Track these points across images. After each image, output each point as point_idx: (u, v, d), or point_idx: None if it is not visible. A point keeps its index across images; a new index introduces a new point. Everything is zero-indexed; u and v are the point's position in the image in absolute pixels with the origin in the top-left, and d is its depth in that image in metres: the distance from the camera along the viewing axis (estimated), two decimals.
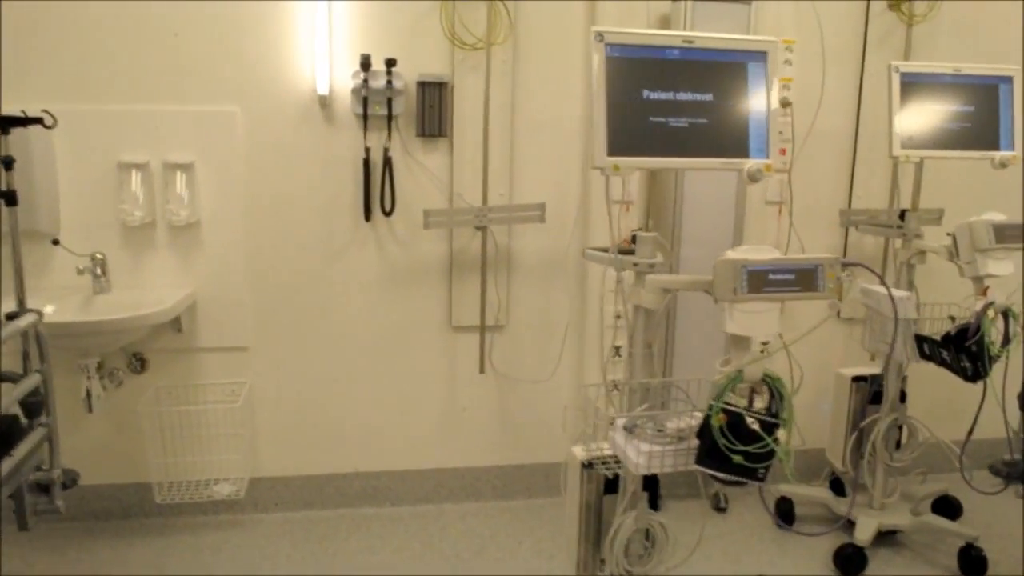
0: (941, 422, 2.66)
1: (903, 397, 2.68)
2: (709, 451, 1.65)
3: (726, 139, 1.67)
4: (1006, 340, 2.28)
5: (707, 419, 1.62)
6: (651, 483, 2.04)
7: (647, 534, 1.95)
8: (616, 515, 1.97)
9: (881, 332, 2.50)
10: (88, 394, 2.39)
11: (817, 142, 2.84)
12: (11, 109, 2.06)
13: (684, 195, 2.69)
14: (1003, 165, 2.34)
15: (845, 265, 1.63)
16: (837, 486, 2.88)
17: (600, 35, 1.59)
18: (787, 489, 2.82)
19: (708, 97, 1.66)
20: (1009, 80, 2.37)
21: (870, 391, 2.72)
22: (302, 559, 2.49)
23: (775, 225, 2.83)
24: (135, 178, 2.45)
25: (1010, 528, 2.78)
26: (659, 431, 1.81)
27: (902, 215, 2.54)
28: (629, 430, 1.82)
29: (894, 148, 2.32)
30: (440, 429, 2.83)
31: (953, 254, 2.30)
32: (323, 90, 2.50)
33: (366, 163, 2.53)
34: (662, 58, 1.63)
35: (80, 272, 2.39)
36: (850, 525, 2.58)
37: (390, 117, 2.51)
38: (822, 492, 2.79)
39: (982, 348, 2.20)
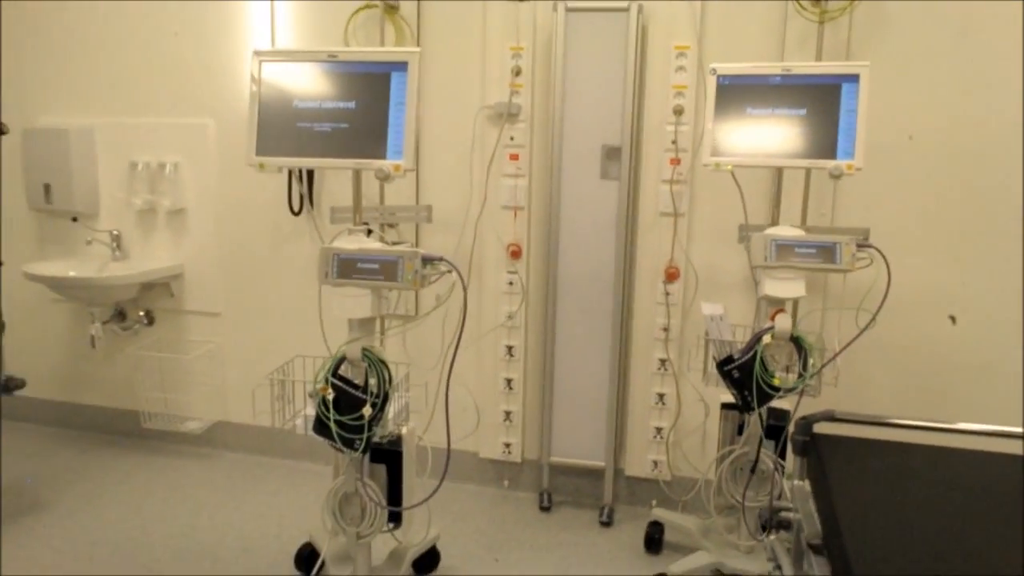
0: None
1: (774, 431, 2.42)
2: (319, 420, 1.84)
3: (364, 142, 1.85)
4: (802, 372, 2.03)
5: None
6: (391, 456, 2.20)
7: None
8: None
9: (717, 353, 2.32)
10: (92, 336, 3.19)
11: None
12: (67, 120, 2.95)
13: (561, 203, 2.73)
14: (835, 176, 2.06)
15: (426, 260, 1.71)
16: None
17: (257, 54, 1.89)
18: (659, 514, 2.69)
19: (351, 105, 1.86)
20: (855, 79, 2.08)
21: (738, 420, 2.51)
22: (241, 493, 3.03)
23: (670, 237, 2.72)
24: (140, 173, 3.22)
25: None
26: None
27: None
28: (312, 396, 2.05)
29: (704, 156, 2.18)
30: None
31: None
32: None
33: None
34: (313, 71, 1.87)
35: (88, 243, 3.21)
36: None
37: None
38: (688, 520, 2.61)
39: (750, 377, 1.99)
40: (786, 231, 2.00)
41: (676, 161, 2.67)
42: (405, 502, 2.20)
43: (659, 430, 2.85)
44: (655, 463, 2.87)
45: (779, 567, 1.68)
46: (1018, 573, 1.19)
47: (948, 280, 2.54)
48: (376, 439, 1.88)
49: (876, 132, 2.52)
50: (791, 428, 2.11)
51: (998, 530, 1.37)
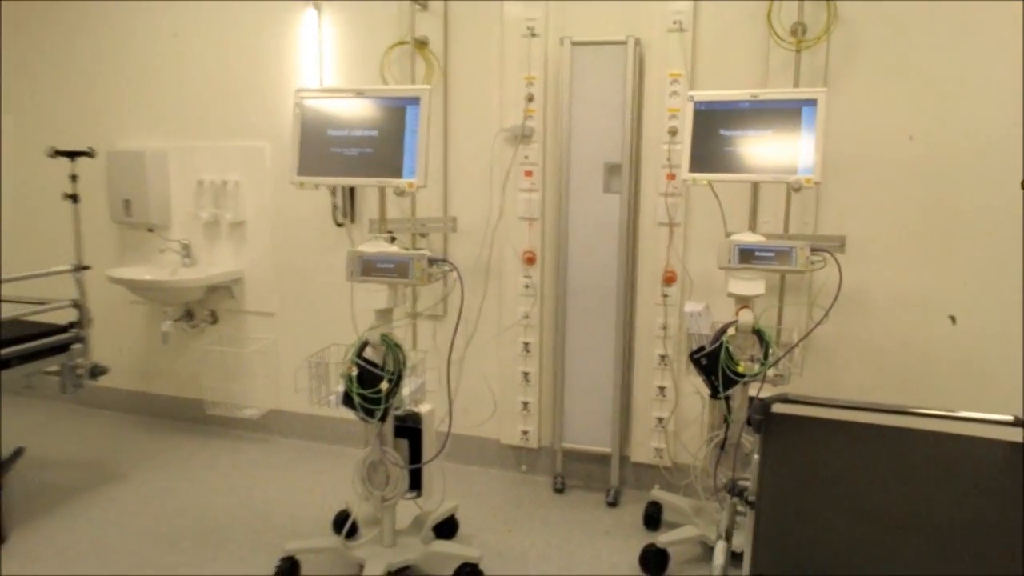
0: None
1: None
2: (346, 395, 2.21)
3: (385, 163, 2.22)
4: (763, 361, 2.31)
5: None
6: (412, 433, 2.56)
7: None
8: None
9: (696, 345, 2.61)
10: (164, 333, 3.66)
11: None
12: (144, 144, 3.42)
13: (570, 215, 3.07)
14: (796, 189, 2.35)
15: (432, 261, 2.07)
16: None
17: (299, 92, 2.28)
18: (657, 495, 2.97)
19: (374, 133, 2.23)
20: (813, 103, 2.36)
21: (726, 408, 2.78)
22: (291, 472, 3.45)
23: (667, 244, 3.02)
24: (206, 190, 3.68)
25: None
26: None
27: None
28: (342, 376, 2.42)
29: (683, 172, 2.49)
30: None
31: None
32: None
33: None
34: (344, 105, 2.26)
35: (161, 251, 3.68)
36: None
37: None
38: (684, 501, 2.89)
39: (716, 365, 2.28)
40: (748, 237, 2.29)
41: (671, 176, 2.98)
42: (424, 476, 2.55)
43: (660, 420, 3.14)
44: (657, 450, 3.16)
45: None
46: (905, 527, 1.47)
47: (935, 283, 2.78)
48: (394, 411, 2.24)
49: (867, 143, 2.79)
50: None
51: (906, 493, 1.64)
